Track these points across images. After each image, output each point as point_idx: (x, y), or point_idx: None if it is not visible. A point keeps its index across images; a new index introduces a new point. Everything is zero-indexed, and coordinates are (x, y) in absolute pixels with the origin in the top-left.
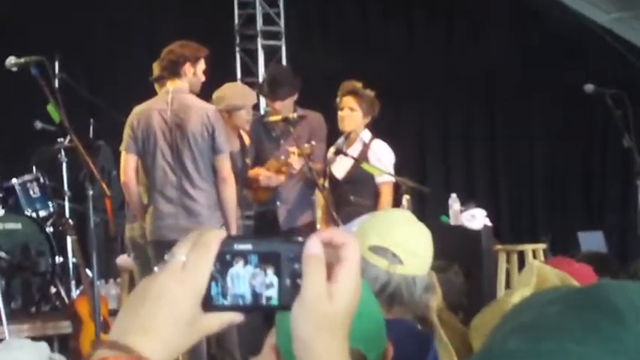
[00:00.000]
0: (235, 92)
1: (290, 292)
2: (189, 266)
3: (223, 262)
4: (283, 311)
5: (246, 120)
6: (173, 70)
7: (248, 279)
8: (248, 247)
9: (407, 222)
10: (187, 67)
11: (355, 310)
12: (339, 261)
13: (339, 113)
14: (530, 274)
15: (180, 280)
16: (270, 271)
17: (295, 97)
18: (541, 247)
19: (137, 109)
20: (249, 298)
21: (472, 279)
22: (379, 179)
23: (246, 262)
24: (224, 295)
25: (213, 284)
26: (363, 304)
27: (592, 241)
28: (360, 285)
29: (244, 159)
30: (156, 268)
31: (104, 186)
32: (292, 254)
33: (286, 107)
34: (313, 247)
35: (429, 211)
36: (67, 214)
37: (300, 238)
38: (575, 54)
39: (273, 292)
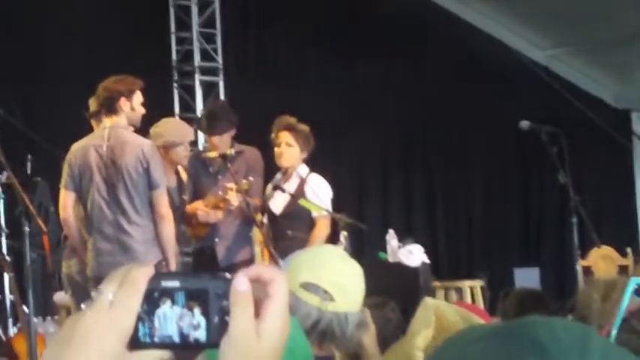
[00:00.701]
0: (173, 128)
1: (218, 329)
2: (116, 305)
3: (151, 300)
4: (212, 349)
5: (183, 156)
6: (109, 106)
7: (175, 320)
8: (176, 284)
9: (338, 258)
10: (123, 102)
11: (284, 348)
12: (267, 297)
13: (276, 149)
14: (428, 314)
15: (106, 320)
16: (197, 310)
17: (233, 132)
18: (478, 283)
19: (75, 146)
20: (176, 339)
21: (410, 316)
22: (316, 214)
23: (173, 301)
24: (151, 336)
25: (140, 324)
26: (293, 341)
27: (527, 277)
28: (288, 322)
29: (181, 195)
30: (83, 306)
31: (41, 222)
32: (220, 291)
33: (224, 142)
34: (240, 284)
35: (367, 247)
36: (4, 251)
37: (227, 275)
38: (511, 90)
39: (200, 332)
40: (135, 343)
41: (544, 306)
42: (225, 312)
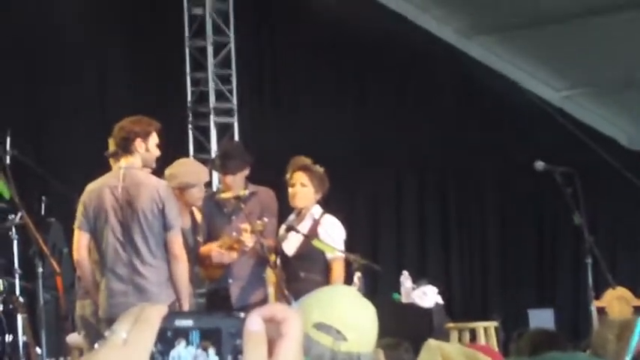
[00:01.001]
0: (188, 170)
1: None
2: (130, 343)
3: (164, 339)
4: None
5: (198, 197)
6: (125, 147)
7: (191, 356)
8: (189, 323)
9: (351, 298)
10: (138, 143)
11: None
12: (280, 337)
13: (290, 190)
14: (434, 355)
15: (120, 358)
16: (211, 351)
17: (247, 171)
18: (493, 324)
19: (90, 187)
20: None
21: None
22: (330, 255)
23: (187, 341)
24: None
25: None
26: None
27: (542, 318)
28: None
29: (195, 236)
30: (96, 345)
31: (54, 263)
32: (233, 330)
33: (237, 182)
34: (253, 323)
35: (380, 288)
36: (18, 292)
37: (241, 314)
38: (526, 131)
39: None
40: None
41: (558, 346)
42: (238, 351)
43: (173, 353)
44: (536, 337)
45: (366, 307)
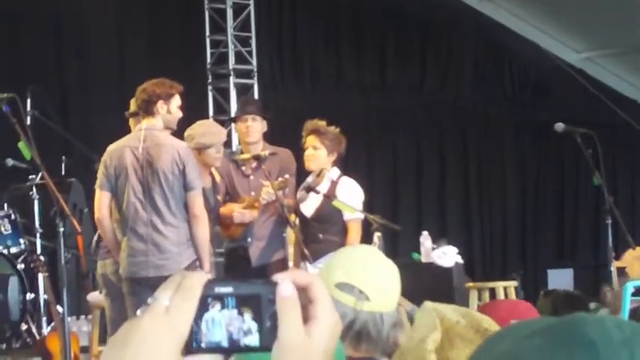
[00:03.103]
0: (204, 130)
1: (271, 333)
2: (173, 311)
3: (205, 306)
4: (264, 352)
5: (215, 158)
6: (146, 109)
7: (225, 324)
8: (229, 289)
9: (373, 258)
10: (160, 105)
11: (335, 349)
12: (310, 302)
13: (305, 153)
14: (432, 317)
15: (163, 326)
16: (249, 316)
17: (265, 126)
18: (513, 284)
19: (111, 147)
20: (225, 344)
21: None
22: (347, 216)
23: (224, 306)
24: (202, 341)
25: (194, 329)
26: None
27: (561, 278)
28: (338, 323)
29: (216, 196)
30: (138, 311)
31: (75, 223)
32: (272, 296)
33: (256, 130)
34: (285, 289)
35: (400, 248)
36: (39, 251)
37: (279, 280)
38: (546, 92)
39: (253, 337)
40: (188, 348)
41: (580, 309)
42: (277, 317)
43: (206, 316)
44: (559, 298)
45: (388, 267)
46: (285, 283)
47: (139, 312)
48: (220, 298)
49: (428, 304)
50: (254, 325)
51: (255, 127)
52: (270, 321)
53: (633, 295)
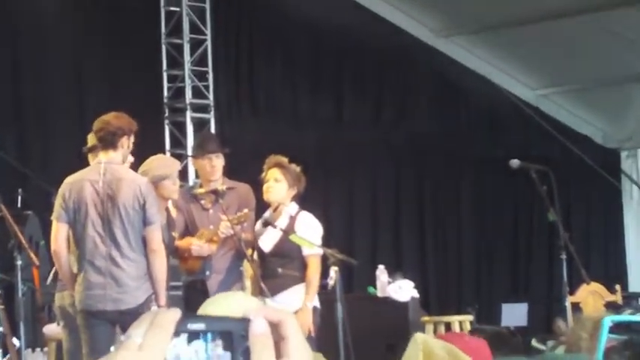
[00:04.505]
0: (158, 164)
1: None
2: (145, 347)
3: (178, 342)
4: None
5: (173, 190)
6: (110, 142)
7: (193, 351)
8: (201, 326)
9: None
10: (124, 140)
11: None
12: (282, 339)
13: (265, 185)
14: (417, 349)
15: None
16: (223, 352)
17: (223, 161)
18: (468, 318)
19: (69, 179)
20: None
21: (398, 350)
22: (306, 251)
23: (192, 337)
24: None
25: None
26: None
27: (515, 312)
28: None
29: (170, 231)
30: (112, 348)
31: (32, 255)
32: (244, 332)
33: (217, 166)
34: (259, 326)
35: (356, 282)
36: None
37: (250, 317)
38: (501, 129)
39: None
40: None
41: (509, 345)
42: (249, 352)
43: (186, 354)
44: (487, 336)
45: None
46: (259, 320)
47: (112, 349)
48: (196, 335)
49: (419, 337)
50: (218, 353)
51: (219, 164)
52: (243, 357)
53: (611, 332)
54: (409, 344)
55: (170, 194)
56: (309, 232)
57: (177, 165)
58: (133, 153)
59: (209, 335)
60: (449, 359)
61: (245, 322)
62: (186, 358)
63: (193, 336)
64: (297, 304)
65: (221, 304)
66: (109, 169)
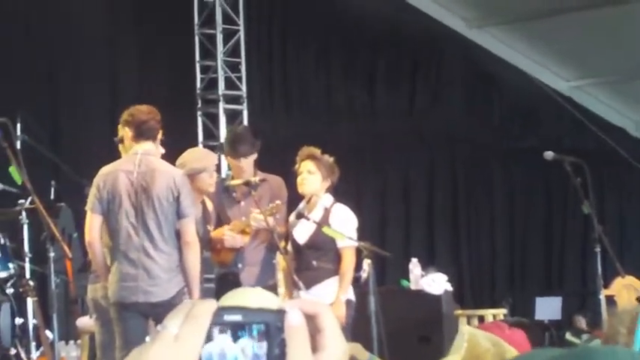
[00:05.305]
0: (196, 156)
1: None
2: (181, 339)
3: (214, 334)
4: None
5: (209, 183)
6: (148, 133)
7: (237, 353)
8: (238, 317)
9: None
10: (160, 133)
11: None
12: (318, 331)
13: (299, 178)
14: (461, 340)
15: (172, 354)
16: (259, 343)
17: (255, 156)
18: (501, 311)
19: (104, 170)
20: None
21: (432, 343)
22: (341, 244)
23: (235, 334)
24: None
25: (206, 354)
26: None
27: (549, 306)
28: (346, 352)
29: (206, 225)
30: (147, 338)
31: (65, 247)
32: (280, 324)
33: (249, 165)
34: (295, 317)
35: (389, 275)
36: (28, 276)
37: (286, 308)
38: (535, 120)
39: None
40: None
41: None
42: (285, 345)
43: (222, 344)
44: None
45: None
46: (295, 312)
47: (147, 339)
48: (232, 327)
49: (465, 328)
50: (264, 354)
51: (247, 164)
52: (279, 349)
53: None
54: (457, 336)
55: (206, 187)
56: (344, 224)
57: (214, 158)
58: (164, 144)
59: (255, 332)
60: (494, 350)
61: (281, 313)
62: (232, 356)
63: (239, 334)
64: (331, 297)
65: (237, 300)
66: (144, 161)
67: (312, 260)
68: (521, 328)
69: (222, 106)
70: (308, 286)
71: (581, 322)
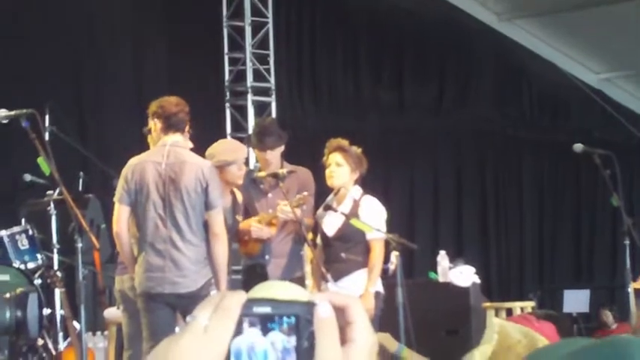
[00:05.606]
0: (225, 148)
1: (308, 353)
2: (211, 330)
3: (243, 327)
4: None
5: (238, 175)
6: (177, 125)
7: (266, 345)
8: (267, 309)
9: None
10: (187, 124)
11: None
12: (348, 323)
13: (327, 171)
14: (492, 332)
15: (202, 345)
16: (288, 336)
17: (282, 148)
18: (529, 304)
19: (132, 161)
20: None
21: (460, 335)
22: (370, 235)
23: (265, 327)
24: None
25: (235, 348)
26: None
27: (577, 298)
28: (376, 345)
29: (235, 216)
30: (177, 329)
31: (93, 238)
32: (310, 316)
33: (276, 157)
34: (324, 310)
35: (417, 267)
36: (56, 267)
37: (315, 300)
38: (564, 113)
39: (293, 356)
40: None
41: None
42: (314, 338)
43: (250, 338)
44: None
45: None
46: (324, 304)
47: (177, 329)
48: (261, 319)
49: (494, 320)
50: (293, 347)
51: (274, 156)
52: (308, 342)
53: None
54: (488, 327)
55: (235, 180)
56: (373, 216)
57: (243, 151)
58: (193, 136)
59: (285, 325)
60: (525, 341)
61: (311, 306)
62: (261, 350)
63: (269, 327)
64: (360, 289)
65: (266, 292)
66: (172, 152)
67: (341, 252)
68: (550, 321)
69: (250, 98)
70: (337, 278)
71: (608, 315)
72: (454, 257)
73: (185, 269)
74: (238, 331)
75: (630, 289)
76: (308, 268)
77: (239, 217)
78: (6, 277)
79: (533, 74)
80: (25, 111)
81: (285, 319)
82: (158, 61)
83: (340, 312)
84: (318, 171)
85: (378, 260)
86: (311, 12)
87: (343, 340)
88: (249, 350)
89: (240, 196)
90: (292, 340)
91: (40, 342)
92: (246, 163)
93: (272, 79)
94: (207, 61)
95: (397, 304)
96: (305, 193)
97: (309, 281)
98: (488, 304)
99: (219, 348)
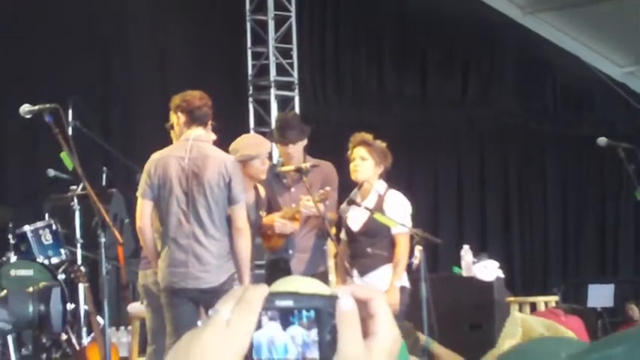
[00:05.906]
0: (248, 142)
1: (330, 346)
2: (233, 324)
3: (263, 321)
4: None
5: (261, 170)
6: (200, 119)
7: (288, 338)
8: (289, 303)
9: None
10: (210, 119)
11: None
12: (370, 316)
13: (351, 165)
14: (515, 326)
15: (223, 338)
16: (308, 330)
17: (305, 142)
18: (553, 298)
19: (155, 156)
20: (290, 357)
21: (483, 330)
22: (395, 230)
23: (285, 321)
24: (264, 354)
25: (254, 342)
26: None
27: (602, 293)
28: (398, 340)
29: (258, 211)
30: (199, 323)
31: (117, 233)
32: (332, 309)
33: (298, 151)
34: (346, 303)
35: (441, 262)
36: (79, 262)
37: (337, 294)
38: (588, 106)
39: (313, 351)
40: None
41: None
42: (336, 330)
43: (272, 331)
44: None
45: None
46: (346, 297)
47: (199, 323)
48: (283, 312)
49: (515, 314)
50: (315, 339)
51: (296, 150)
52: (330, 335)
53: None
54: (508, 322)
55: (258, 174)
56: (399, 210)
57: (267, 145)
58: (215, 130)
59: (304, 319)
60: (548, 334)
61: (333, 299)
62: (281, 343)
63: (290, 320)
64: (385, 284)
65: (288, 286)
66: (195, 146)
67: (367, 247)
68: (576, 315)
69: (273, 92)
70: (363, 273)
71: (634, 310)
72: (478, 252)
73: (208, 264)
74: (258, 325)
75: None
76: (331, 263)
77: (262, 212)
78: (30, 272)
79: (556, 68)
80: (48, 106)
81: (304, 313)
82: (181, 56)
83: (363, 305)
84: (342, 165)
85: (404, 255)
86: (334, 5)
87: (365, 333)
88: (269, 344)
89: (263, 191)
90: (312, 334)
91: (64, 337)
92: (270, 157)
93: (295, 74)
94: (231, 56)
95: (421, 298)
96: (328, 188)
97: (332, 276)
98: (512, 298)
99: (242, 341)
